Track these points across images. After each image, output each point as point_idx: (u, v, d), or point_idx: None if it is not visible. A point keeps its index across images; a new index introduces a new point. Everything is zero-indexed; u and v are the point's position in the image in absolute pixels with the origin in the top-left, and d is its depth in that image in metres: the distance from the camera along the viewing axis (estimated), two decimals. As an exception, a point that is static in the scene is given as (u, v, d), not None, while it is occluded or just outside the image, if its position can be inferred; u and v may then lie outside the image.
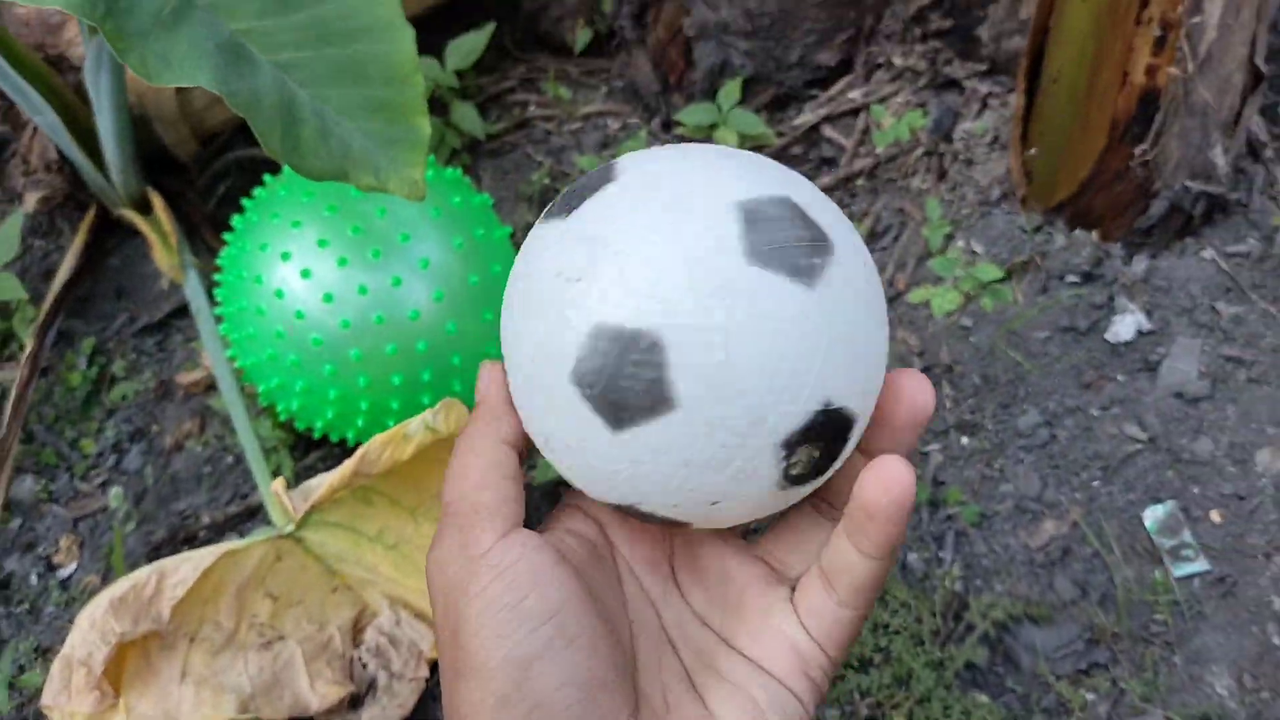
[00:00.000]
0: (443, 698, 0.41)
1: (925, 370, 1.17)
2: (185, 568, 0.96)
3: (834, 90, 1.38)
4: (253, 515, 1.17)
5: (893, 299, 1.23)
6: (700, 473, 0.38)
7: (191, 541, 1.15)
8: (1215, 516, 1.05)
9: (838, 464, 0.41)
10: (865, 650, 0.99)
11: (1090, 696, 0.97)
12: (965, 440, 1.12)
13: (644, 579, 0.46)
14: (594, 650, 0.39)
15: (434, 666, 1.04)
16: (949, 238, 1.24)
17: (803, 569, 0.45)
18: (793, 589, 0.44)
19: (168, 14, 0.78)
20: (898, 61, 1.36)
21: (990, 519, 1.07)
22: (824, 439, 0.38)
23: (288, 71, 0.86)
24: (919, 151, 1.31)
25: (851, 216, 1.20)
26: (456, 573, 0.40)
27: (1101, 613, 1.01)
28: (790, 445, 0.38)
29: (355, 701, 1.01)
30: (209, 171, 1.47)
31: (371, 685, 1.02)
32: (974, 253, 1.23)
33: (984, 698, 0.96)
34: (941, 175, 1.30)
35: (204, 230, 1.37)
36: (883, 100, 1.36)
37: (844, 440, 0.40)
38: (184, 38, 0.79)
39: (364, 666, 1.03)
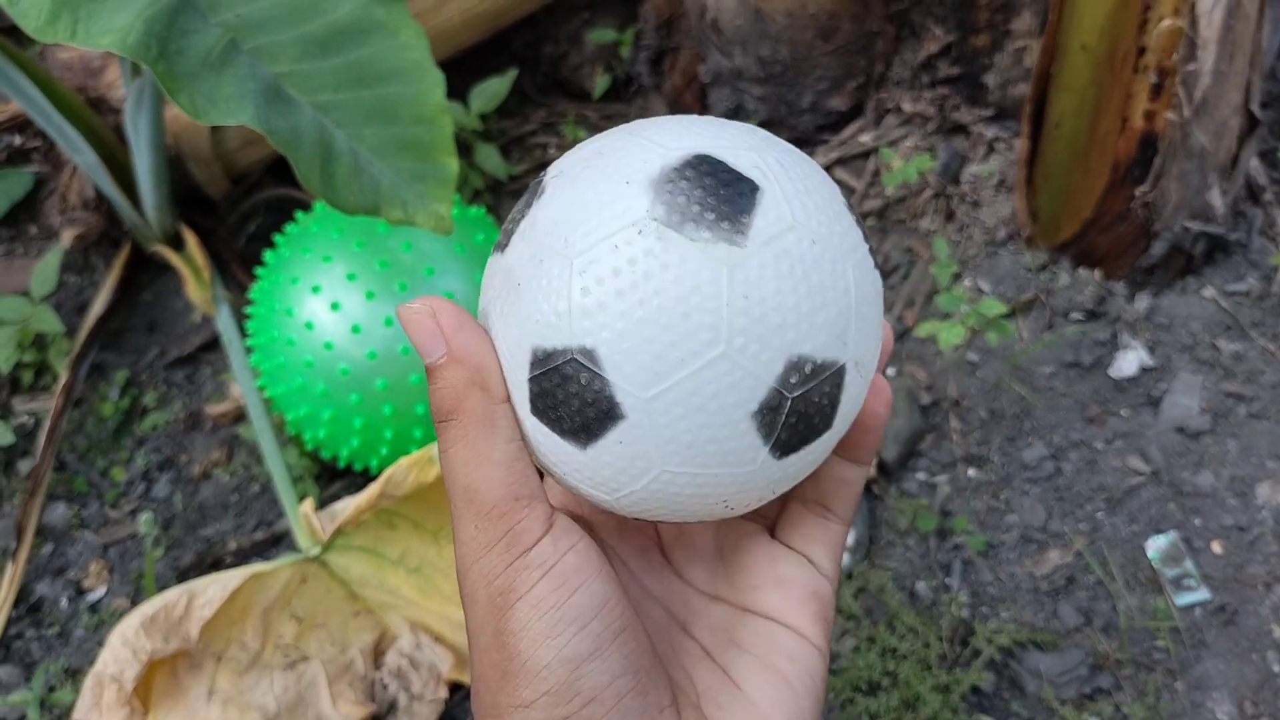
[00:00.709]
0: (478, 699, 0.39)
1: (933, 405, 1.20)
2: (214, 589, 0.99)
3: (845, 134, 1.42)
4: (277, 542, 1.21)
5: (901, 335, 1.26)
6: (686, 471, 0.36)
7: (218, 566, 1.18)
8: (1216, 547, 1.08)
9: (839, 420, 0.38)
10: (874, 674, 1.01)
11: (1095, 722, 0.99)
12: (972, 472, 1.15)
13: (638, 569, 0.44)
14: (638, 640, 0.38)
15: (453, 688, 1.07)
16: (956, 276, 1.28)
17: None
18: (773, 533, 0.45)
19: (215, 57, 0.83)
20: (907, 107, 1.40)
21: (997, 548, 1.10)
22: (806, 395, 0.36)
23: (325, 112, 0.91)
24: (927, 193, 1.35)
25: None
26: (499, 570, 0.38)
27: (1105, 639, 1.03)
28: (764, 412, 0.35)
29: (376, 721, 1.04)
30: (238, 211, 1.52)
31: (392, 706, 1.04)
32: (980, 290, 1.27)
33: (990, 722, 0.99)
34: (949, 216, 1.34)
35: (233, 267, 1.42)
36: (892, 144, 1.40)
37: (836, 390, 0.37)
38: (229, 79, 0.84)
39: (385, 688, 1.05)
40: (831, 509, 0.44)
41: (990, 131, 1.40)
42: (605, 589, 0.38)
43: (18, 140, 1.56)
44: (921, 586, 1.08)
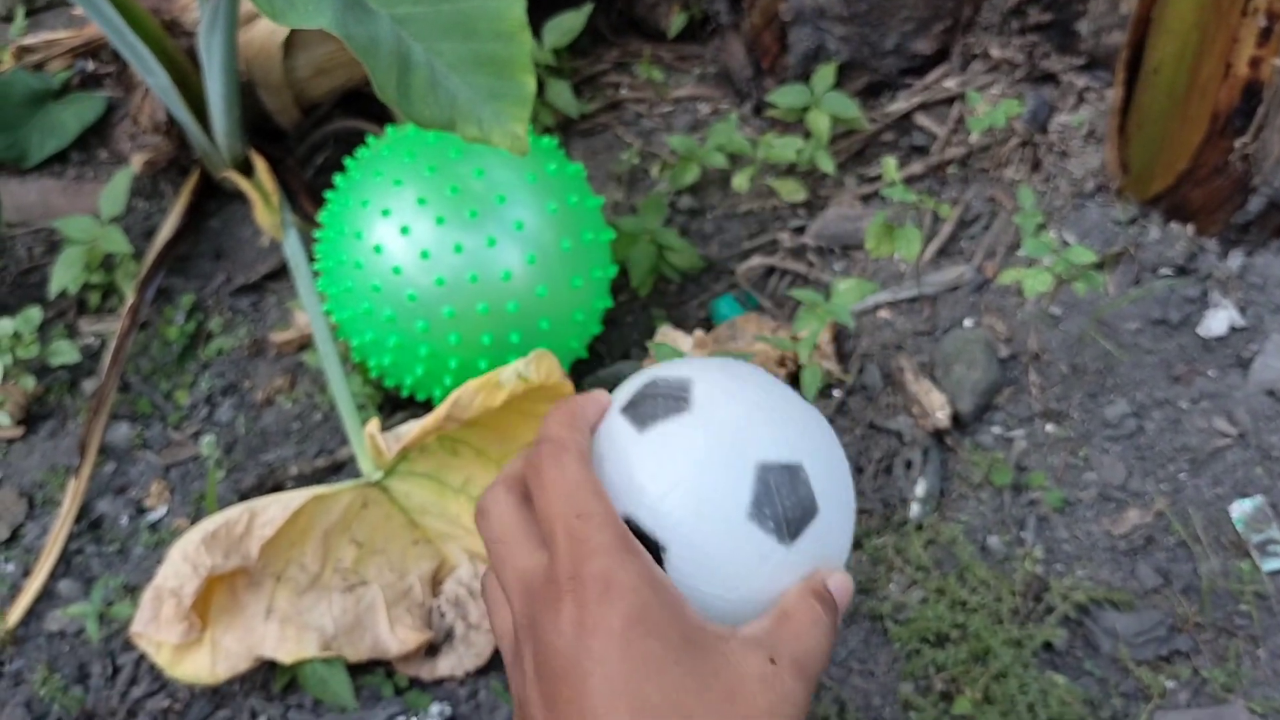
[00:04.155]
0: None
1: (1012, 358, 1.16)
2: (275, 508, 0.99)
3: (929, 79, 1.38)
4: (338, 469, 1.20)
5: (980, 286, 1.22)
6: None
7: (279, 490, 1.18)
8: (1307, 513, 1.03)
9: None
10: (943, 626, 0.98)
11: (1170, 684, 0.95)
12: (1050, 427, 1.11)
13: None
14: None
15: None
16: (1041, 227, 1.24)
17: None
18: None
19: (295, -44, 0.81)
20: (995, 53, 1.35)
21: (1074, 505, 1.06)
22: None
23: (403, 24, 0.89)
24: (1013, 142, 1.31)
25: (941, 203, 1.20)
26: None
27: (1184, 601, 0.99)
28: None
29: (432, 649, 1.03)
30: (307, 142, 1.51)
31: (449, 634, 1.03)
32: (1066, 243, 1.22)
33: (1061, 679, 0.95)
34: (1035, 166, 1.30)
35: (301, 197, 1.41)
36: (978, 90, 1.35)
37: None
38: (308, -18, 0.82)
39: (442, 616, 1.04)
40: None
41: (1081, 81, 1.34)
42: None
43: (90, 65, 1.56)
44: (994, 541, 1.05)
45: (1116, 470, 1.07)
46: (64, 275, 1.27)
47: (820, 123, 1.29)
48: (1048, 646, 0.97)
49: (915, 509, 1.08)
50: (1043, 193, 1.28)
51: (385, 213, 1.05)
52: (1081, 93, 1.34)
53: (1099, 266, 1.19)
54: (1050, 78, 1.36)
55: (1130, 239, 1.21)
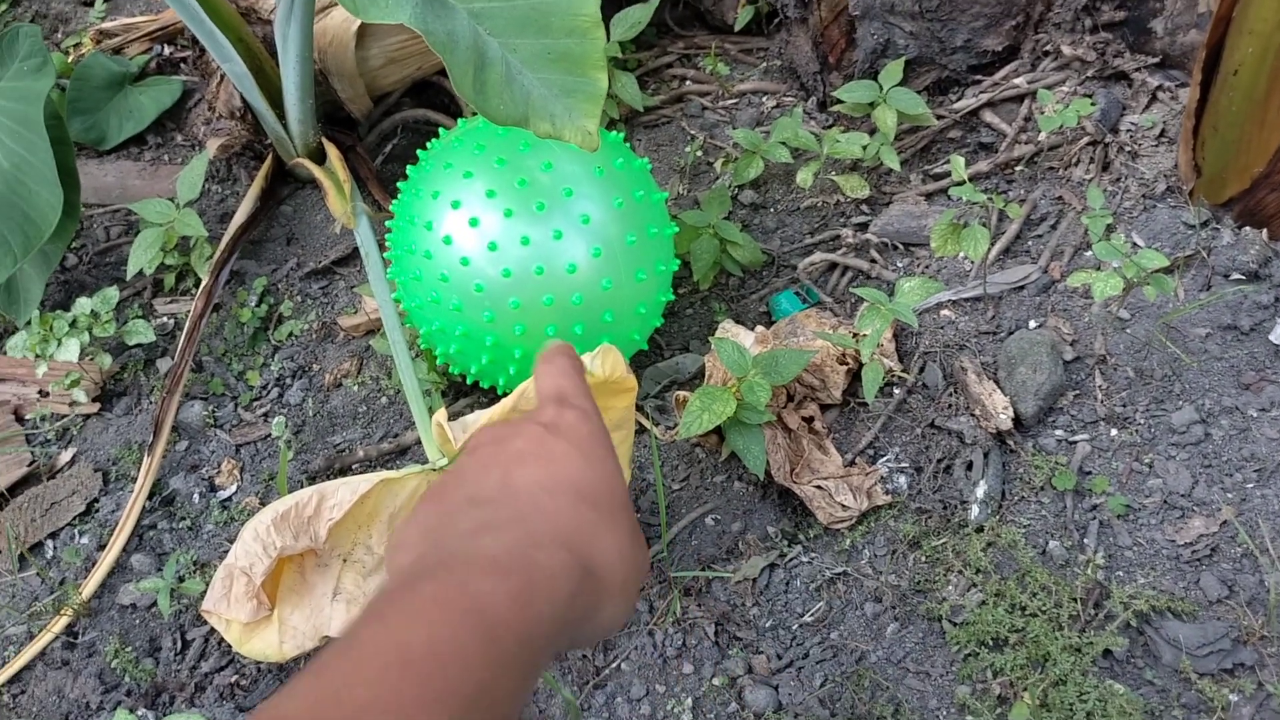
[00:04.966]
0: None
1: (1077, 360, 1.15)
2: (343, 491, 1.01)
3: (998, 76, 1.37)
4: (403, 453, 1.22)
5: (1046, 287, 1.21)
6: None
7: (346, 473, 1.21)
8: (1379, 528, 1.02)
9: None
10: (1001, 630, 0.98)
11: (1234, 697, 0.94)
12: (1115, 432, 1.10)
13: None
14: None
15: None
16: (1110, 229, 1.22)
17: None
18: None
19: (377, -45, 0.83)
20: (1066, 51, 1.34)
21: (1137, 512, 1.05)
22: None
23: (479, 19, 0.90)
24: (1083, 141, 1.29)
25: (1009, 203, 1.19)
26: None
27: (1250, 614, 0.98)
28: None
29: (493, 635, 1.05)
30: (377, 130, 1.53)
31: (509, 620, 1.05)
32: (1135, 245, 1.21)
33: (1121, 687, 0.95)
34: (1105, 166, 1.28)
35: (370, 184, 1.43)
36: (1048, 88, 1.34)
37: None
38: (389, -21, 0.83)
39: (503, 602, 1.06)
40: None
41: (1154, 80, 1.32)
42: None
43: (167, 50, 1.59)
44: (1055, 545, 1.04)
45: (1182, 478, 1.06)
46: (141, 257, 1.30)
47: (887, 119, 1.28)
48: (1107, 654, 0.97)
49: (975, 510, 1.07)
50: (1112, 193, 1.26)
51: (455, 204, 1.07)
52: (1154, 92, 1.32)
53: (1169, 270, 1.17)
54: (1122, 76, 1.34)
55: (1201, 243, 1.19)
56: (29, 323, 1.30)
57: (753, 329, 1.21)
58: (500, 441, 0.48)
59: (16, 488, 1.25)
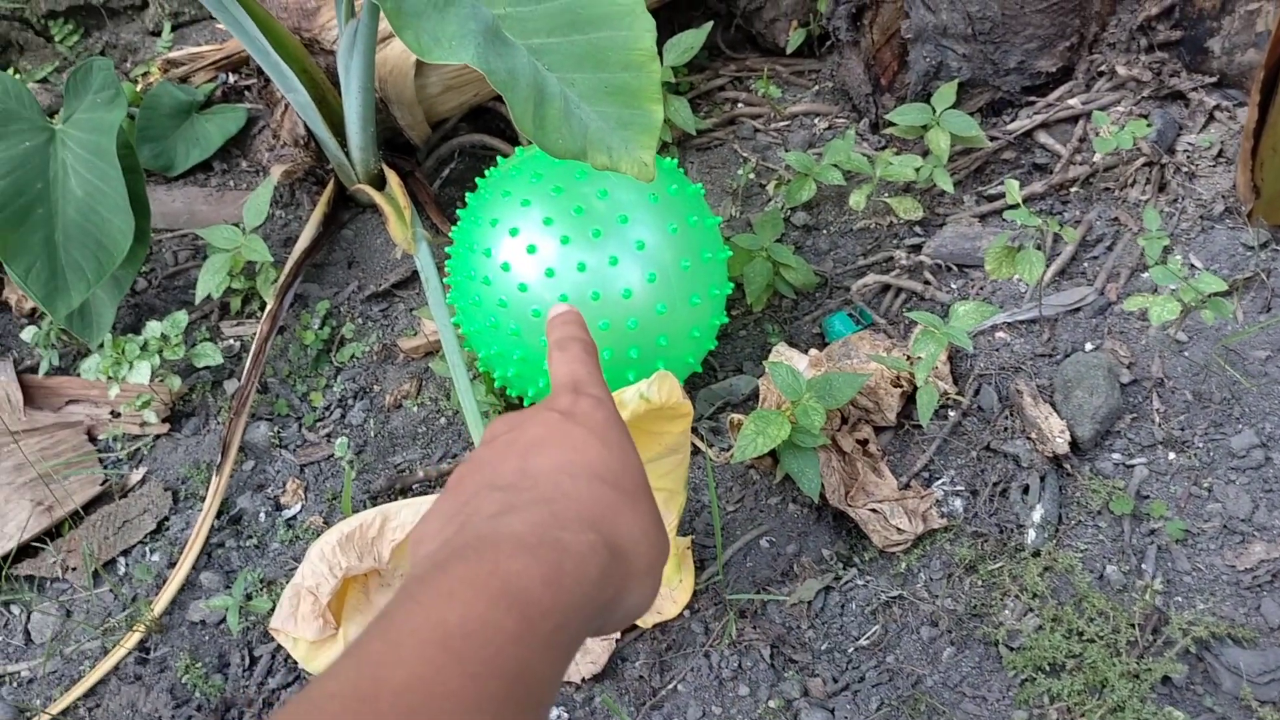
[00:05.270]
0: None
1: (1134, 383, 1.15)
2: (406, 512, 1.03)
3: (1052, 97, 1.36)
4: (461, 475, 1.25)
5: (1102, 309, 1.21)
6: None
7: (406, 493, 1.23)
8: None
9: None
10: (1058, 655, 0.98)
11: (1296, 726, 0.93)
12: (1173, 456, 1.10)
13: None
14: None
15: (624, 630, 1.08)
16: (1167, 250, 1.22)
17: None
18: None
19: (442, -4, 0.85)
20: (1121, 71, 1.34)
21: (1196, 537, 1.05)
22: None
23: (538, 55, 0.92)
24: (1139, 162, 1.29)
25: (1065, 226, 1.19)
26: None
27: (1313, 642, 0.97)
28: None
29: (551, 655, 1.07)
30: (435, 155, 1.56)
31: (567, 641, 1.07)
32: (1193, 267, 1.20)
33: (1181, 714, 0.94)
34: (1162, 187, 1.28)
35: (429, 208, 1.46)
36: (1103, 109, 1.33)
37: None
38: (453, 19, 0.86)
39: (560, 623, 1.08)
40: None
41: (1211, 100, 1.32)
42: None
43: (232, 79, 1.64)
44: (1112, 570, 1.04)
45: (1242, 502, 1.06)
46: (209, 281, 1.34)
47: (940, 141, 1.29)
48: (1166, 680, 0.97)
49: (1032, 535, 1.08)
50: (1169, 215, 1.26)
51: (513, 232, 1.09)
52: (1212, 112, 1.31)
53: (1227, 293, 1.16)
54: (1179, 96, 1.33)
55: (1261, 264, 1.19)
56: (101, 346, 1.35)
57: (806, 352, 1.21)
58: (516, 429, 0.48)
59: (90, 506, 1.30)
